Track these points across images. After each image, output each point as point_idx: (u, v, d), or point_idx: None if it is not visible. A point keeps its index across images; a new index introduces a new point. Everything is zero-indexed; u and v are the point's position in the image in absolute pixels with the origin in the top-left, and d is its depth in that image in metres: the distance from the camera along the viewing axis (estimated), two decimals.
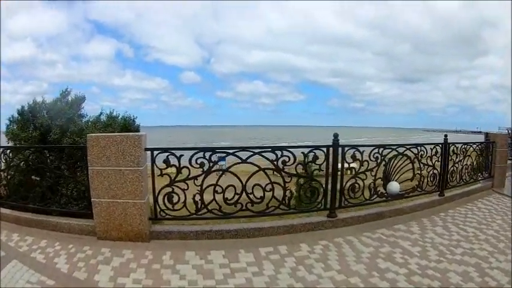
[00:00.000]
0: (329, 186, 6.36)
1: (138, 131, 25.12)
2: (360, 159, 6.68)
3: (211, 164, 5.67)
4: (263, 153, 5.84)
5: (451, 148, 8.78)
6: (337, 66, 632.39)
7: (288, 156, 5.86)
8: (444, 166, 8.40)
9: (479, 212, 7.73)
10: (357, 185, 6.74)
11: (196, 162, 5.58)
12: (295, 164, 5.97)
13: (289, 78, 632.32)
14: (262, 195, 5.89)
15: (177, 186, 5.59)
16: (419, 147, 7.77)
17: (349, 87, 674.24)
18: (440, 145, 8.38)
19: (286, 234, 5.87)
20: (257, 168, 5.95)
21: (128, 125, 22.62)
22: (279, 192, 6.05)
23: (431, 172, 8.13)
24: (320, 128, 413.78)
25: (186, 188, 5.58)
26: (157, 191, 5.59)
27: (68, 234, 5.64)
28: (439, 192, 8.34)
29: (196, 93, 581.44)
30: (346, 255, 5.11)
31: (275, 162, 5.83)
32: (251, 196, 5.89)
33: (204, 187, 5.69)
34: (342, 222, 6.42)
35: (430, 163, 8.11)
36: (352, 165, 6.76)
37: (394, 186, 7.19)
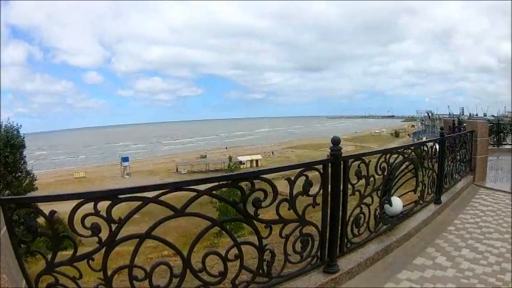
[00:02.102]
0: (327, 228, 4.18)
1: (22, 144, 22.39)
2: (366, 174, 4.63)
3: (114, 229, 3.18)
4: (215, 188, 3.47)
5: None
6: (237, 58, 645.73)
7: (264, 190, 3.53)
8: (441, 167, 7.03)
9: (486, 216, 6.89)
10: (361, 215, 4.75)
11: (84, 226, 2.96)
12: (278, 201, 3.71)
13: (187, 73, 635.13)
14: (222, 269, 3.44)
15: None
16: (422, 147, 6.39)
17: (249, 78, 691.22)
18: (438, 141, 7.03)
19: None
20: (208, 223, 3.57)
21: (10, 138, 20.22)
22: (251, 254, 3.85)
23: (431, 177, 6.72)
24: (220, 121, 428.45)
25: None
26: None
27: None
28: (435, 200, 6.95)
29: (99, 94, 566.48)
30: None
31: (240, 206, 3.49)
32: (203, 275, 3.36)
33: (109, 273, 3.12)
34: (347, 275, 4.31)
35: (430, 166, 6.68)
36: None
37: (397, 204, 5.40)
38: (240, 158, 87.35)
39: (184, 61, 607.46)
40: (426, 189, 6.48)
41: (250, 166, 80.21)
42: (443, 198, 7.21)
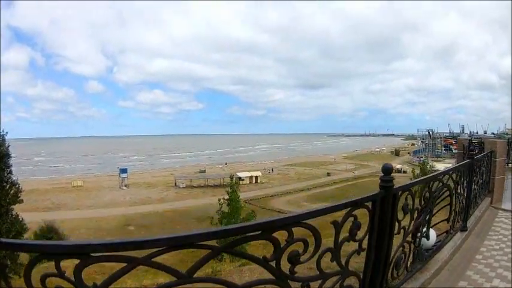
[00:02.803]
0: (369, 275, 3.64)
1: (6, 154, 21.97)
2: (412, 207, 4.30)
3: None
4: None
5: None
6: (238, 73, 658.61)
7: (304, 240, 2.83)
8: (470, 191, 6.85)
9: (511, 242, 6.73)
10: (403, 254, 4.34)
11: None
12: (319, 252, 2.95)
13: (189, 87, 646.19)
14: None
15: None
16: (456, 172, 6.04)
17: (250, 94, 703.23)
18: (468, 164, 6.82)
19: None
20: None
21: None
22: None
23: (461, 203, 6.50)
24: (220, 136, 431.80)
25: None
26: None
27: None
28: (462, 227, 6.71)
29: (100, 103, 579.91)
30: None
31: (272, 264, 2.66)
32: None
33: None
34: None
35: (462, 191, 6.45)
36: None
37: (433, 236, 5.23)
38: (240, 174, 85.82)
39: (186, 75, 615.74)
40: (457, 216, 6.32)
41: (250, 182, 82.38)
42: (468, 224, 7.04)
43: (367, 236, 3.49)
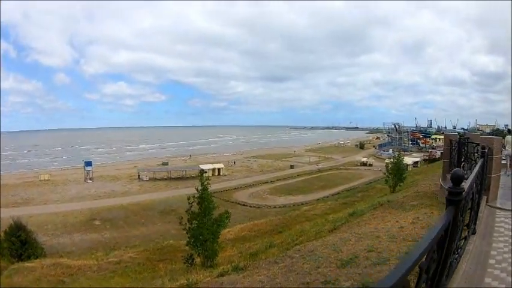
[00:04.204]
0: None
1: None
2: None
3: None
4: None
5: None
6: (202, 65, 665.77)
7: None
8: (480, 191, 6.80)
9: None
10: None
11: None
12: None
13: (152, 79, 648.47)
14: None
15: None
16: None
17: (213, 86, 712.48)
18: (481, 164, 6.78)
19: None
20: None
21: None
22: None
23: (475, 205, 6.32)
24: (183, 128, 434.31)
25: None
26: None
27: None
28: (473, 230, 6.63)
29: (67, 96, 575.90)
30: None
31: None
32: None
33: None
34: None
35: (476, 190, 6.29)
36: None
37: None
38: (202, 167, 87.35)
39: (150, 66, 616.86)
40: (472, 218, 6.26)
41: (212, 175, 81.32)
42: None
43: None
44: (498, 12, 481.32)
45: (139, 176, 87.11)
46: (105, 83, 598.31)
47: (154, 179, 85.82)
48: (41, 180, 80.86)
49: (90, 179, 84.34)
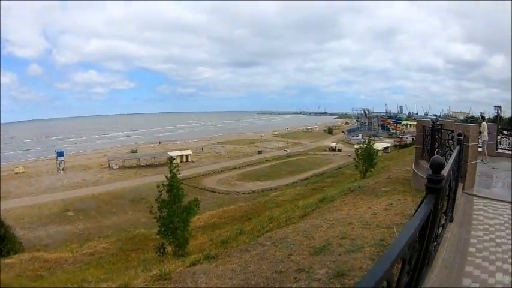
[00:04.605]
0: None
1: None
2: None
3: None
4: None
5: None
6: (170, 52, 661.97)
7: None
8: (457, 178, 6.80)
9: (499, 231, 7.01)
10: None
11: None
12: None
13: (121, 66, 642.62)
14: None
15: None
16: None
17: (181, 73, 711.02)
18: (458, 151, 6.81)
19: None
20: None
21: None
22: None
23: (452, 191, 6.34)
24: (151, 115, 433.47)
25: None
26: None
27: None
28: (450, 218, 6.62)
29: (40, 86, 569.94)
30: None
31: None
32: None
33: None
34: None
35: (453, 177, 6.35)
36: None
37: None
38: (171, 153, 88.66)
39: (119, 54, 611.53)
40: (449, 206, 6.23)
41: (181, 161, 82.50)
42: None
43: None
44: (476, 2, 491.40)
45: (109, 164, 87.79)
46: (76, 72, 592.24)
47: (124, 167, 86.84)
48: (16, 173, 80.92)
49: (62, 169, 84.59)
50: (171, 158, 57.76)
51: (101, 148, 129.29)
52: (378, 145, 76.57)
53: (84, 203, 58.14)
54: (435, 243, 4.60)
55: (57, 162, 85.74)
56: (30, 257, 28.19)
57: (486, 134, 17.14)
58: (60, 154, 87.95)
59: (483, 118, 23.61)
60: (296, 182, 67.74)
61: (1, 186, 61.24)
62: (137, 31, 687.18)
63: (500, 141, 19.78)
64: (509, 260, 5.57)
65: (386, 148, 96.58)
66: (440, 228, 5.45)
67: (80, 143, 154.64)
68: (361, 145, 46.38)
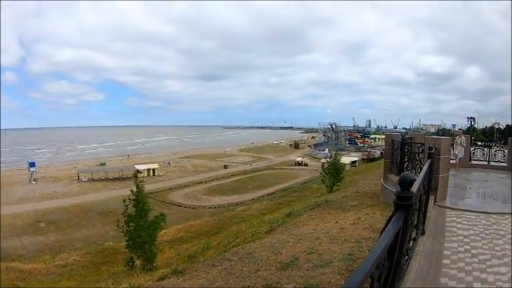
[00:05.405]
0: None
1: None
2: None
3: None
4: None
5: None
6: (138, 64, 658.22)
7: None
8: (428, 191, 6.80)
9: (474, 242, 7.02)
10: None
11: None
12: None
13: (91, 78, 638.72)
14: None
15: None
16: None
17: (148, 86, 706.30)
18: (429, 164, 6.86)
19: None
20: None
21: None
22: None
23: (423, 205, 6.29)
24: (120, 128, 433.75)
25: None
26: None
27: None
28: (422, 231, 6.62)
29: (14, 95, 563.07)
30: None
31: None
32: None
33: None
34: None
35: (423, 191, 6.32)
36: None
37: None
38: (138, 167, 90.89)
39: (90, 65, 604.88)
40: (420, 220, 6.14)
41: (148, 175, 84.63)
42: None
43: None
44: (450, 14, 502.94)
45: (78, 177, 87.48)
46: (48, 81, 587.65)
47: (93, 180, 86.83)
48: None
49: (34, 180, 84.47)
50: (138, 172, 57.40)
51: (70, 160, 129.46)
52: (345, 159, 77.55)
53: (55, 214, 58.48)
54: (406, 257, 4.51)
55: (29, 172, 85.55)
56: (5, 267, 29.09)
57: (462, 149, 17.49)
58: (32, 165, 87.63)
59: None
60: (262, 197, 67.95)
61: None
62: (109, 41, 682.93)
63: (473, 153, 20.26)
64: (488, 270, 5.55)
65: (353, 162, 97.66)
66: (412, 242, 5.40)
67: (50, 153, 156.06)
68: (328, 159, 46.64)
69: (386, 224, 3.18)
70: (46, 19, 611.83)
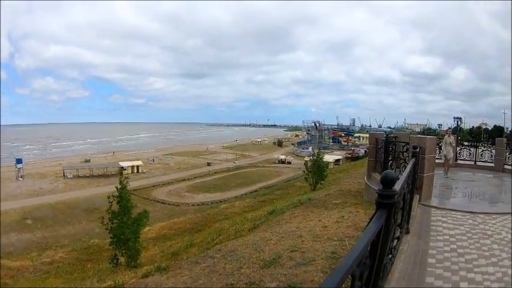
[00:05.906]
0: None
1: None
2: None
3: None
4: None
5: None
6: (124, 61, 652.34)
7: None
8: (412, 190, 6.82)
9: (460, 241, 7.03)
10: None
11: None
12: None
13: (77, 74, 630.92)
14: None
15: None
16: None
17: (132, 83, 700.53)
18: (413, 163, 6.83)
19: None
20: None
21: None
22: None
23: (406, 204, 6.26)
24: (105, 125, 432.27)
25: None
26: None
27: None
28: (406, 230, 6.64)
29: (3, 91, 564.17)
30: None
31: None
32: None
33: None
34: None
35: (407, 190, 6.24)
36: None
37: None
38: (122, 164, 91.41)
39: (76, 61, 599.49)
40: (404, 218, 6.13)
41: (132, 172, 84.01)
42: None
43: None
44: (439, 14, 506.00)
45: (64, 173, 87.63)
46: (35, 78, 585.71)
47: (78, 177, 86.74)
48: None
49: (21, 176, 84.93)
50: (122, 169, 57.20)
51: (56, 157, 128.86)
52: (329, 157, 77.78)
53: (42, 211, 58.57)
54: (390, 255, 4.50)
55: (16, 169, 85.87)
56: None
57: (451, 149, 17.57)
58: (19, 161, 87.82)
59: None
60: (245, 194, 68.02)
61: None
62: (95, 38, 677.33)
63: (460, 152, 20.45)
64: (475, 270, 5.58)
65: (337, 160, 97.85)
66: (396, 240, 5.39)
67: (37, 150, 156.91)
68: (311, 157, 46.67)
69: (369, 222, 3.17)
70: (35, 16, 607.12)
